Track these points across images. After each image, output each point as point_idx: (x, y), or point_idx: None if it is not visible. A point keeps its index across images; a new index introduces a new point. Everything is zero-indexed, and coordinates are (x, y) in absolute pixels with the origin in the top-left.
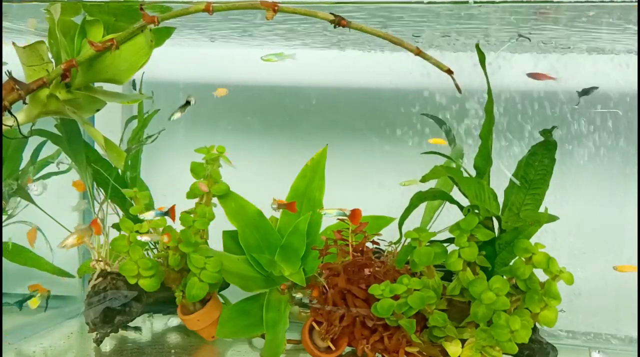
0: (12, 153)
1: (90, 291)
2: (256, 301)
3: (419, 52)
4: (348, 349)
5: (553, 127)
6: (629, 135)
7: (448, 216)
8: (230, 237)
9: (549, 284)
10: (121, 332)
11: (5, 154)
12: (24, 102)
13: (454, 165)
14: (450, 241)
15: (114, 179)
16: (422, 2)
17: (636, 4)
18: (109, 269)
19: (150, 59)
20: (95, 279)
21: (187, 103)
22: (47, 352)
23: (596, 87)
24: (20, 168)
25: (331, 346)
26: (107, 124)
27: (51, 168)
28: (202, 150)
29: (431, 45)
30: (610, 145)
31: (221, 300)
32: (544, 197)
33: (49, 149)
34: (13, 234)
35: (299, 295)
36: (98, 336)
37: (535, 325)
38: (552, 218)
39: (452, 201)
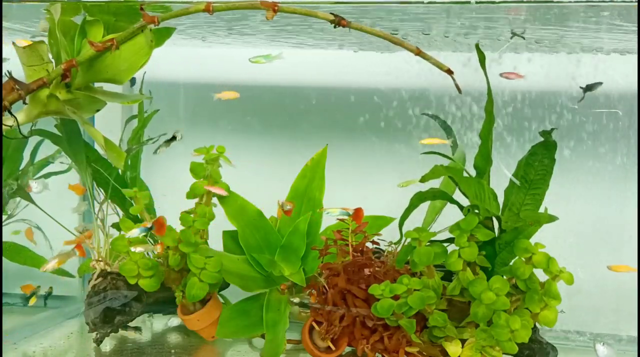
0: (12, 153)
1: (90, 290)
2: (256, 301)
3: (419, 52)
4: (348, 349)
5: (552, 129)
6: (630, 135)
7: (448, 216)
8: (230, 237)
9: (549, 284)
10: (121, 332)
11: (5, 154)
12: (24, 102)
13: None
14: (450, 241)
15: (114, 179)
16: (422, 2)
17: (636, 4)
18: (109, 269)
19: (150, 59)
20: (95, 279)
21: (174, 138)
22: (47, 352)
23: (601, 83)
24: (20, 168)
25: (331, 346)
26: (107, 124)
27: (51, 168)
28: (202, 150)
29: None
30: (611, 145)
31: (221, 300)
32: (544, 197)
33: (49, 149)
34: (14, 234)
35: (296, 300)
36: (98, 336)
37: (535, 325)
38: (552, 218)
39: (452, 201)
